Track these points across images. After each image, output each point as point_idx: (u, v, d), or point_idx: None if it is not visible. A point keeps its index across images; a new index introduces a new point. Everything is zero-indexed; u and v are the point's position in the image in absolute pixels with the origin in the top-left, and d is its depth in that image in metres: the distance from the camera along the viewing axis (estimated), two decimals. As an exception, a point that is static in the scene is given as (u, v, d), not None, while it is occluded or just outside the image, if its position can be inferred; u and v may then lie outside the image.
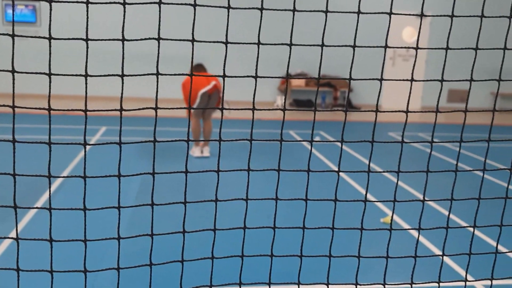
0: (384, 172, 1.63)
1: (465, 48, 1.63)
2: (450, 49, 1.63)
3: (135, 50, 8.20)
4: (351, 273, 3.02)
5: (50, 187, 1.42)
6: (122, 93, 1.47)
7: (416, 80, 1.62)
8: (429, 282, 2.00)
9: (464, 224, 4.40)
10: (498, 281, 3.26)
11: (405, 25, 11.72)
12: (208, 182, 5.20)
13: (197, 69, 6.60)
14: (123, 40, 1.39)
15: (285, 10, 1.42)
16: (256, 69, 1.53)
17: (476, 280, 2.07)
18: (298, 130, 8.50)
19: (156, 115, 1.52)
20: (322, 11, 1.46)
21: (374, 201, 1.67)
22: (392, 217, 1.75)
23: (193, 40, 1.46)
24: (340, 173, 5.84)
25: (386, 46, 1.59)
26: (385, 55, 1.63)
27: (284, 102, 1.46)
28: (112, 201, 2.04)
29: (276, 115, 10.19)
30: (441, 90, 1.71)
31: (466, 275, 1.81)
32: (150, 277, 1.70)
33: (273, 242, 1.76)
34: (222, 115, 1.49)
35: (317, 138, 7.84)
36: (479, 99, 12.40)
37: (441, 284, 2.81)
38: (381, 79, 1.65)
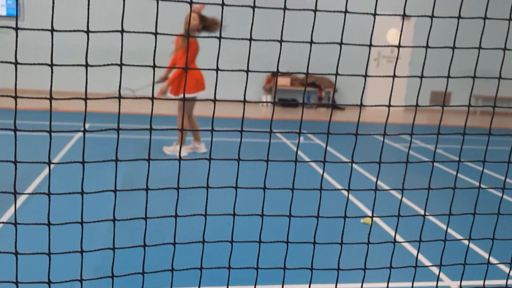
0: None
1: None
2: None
3: (105, 45, 8.18)
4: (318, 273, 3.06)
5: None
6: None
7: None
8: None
9: (444, 227, 4.48)
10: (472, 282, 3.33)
11: (390, 27, 11.83)
12: (188, 180, 5.23)
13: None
14: (87, 31, 1.43)
15: (244, 5, 1.47)
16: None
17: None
18: (282, 130, 8.57)
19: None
20: (279, 8, 1.51)
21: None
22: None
23: (156, 33, 1.50)
24: (321, 173, 5.91)
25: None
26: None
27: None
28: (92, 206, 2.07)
29: (261, 114, 10.26)
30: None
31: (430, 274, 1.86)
32: (113, 277, 1.74)
33: (230, 250, 1.80)
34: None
35: (300, 139, 7.91)
36: (462, 102, 12.57)
37: (416, 284, 2.87)
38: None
